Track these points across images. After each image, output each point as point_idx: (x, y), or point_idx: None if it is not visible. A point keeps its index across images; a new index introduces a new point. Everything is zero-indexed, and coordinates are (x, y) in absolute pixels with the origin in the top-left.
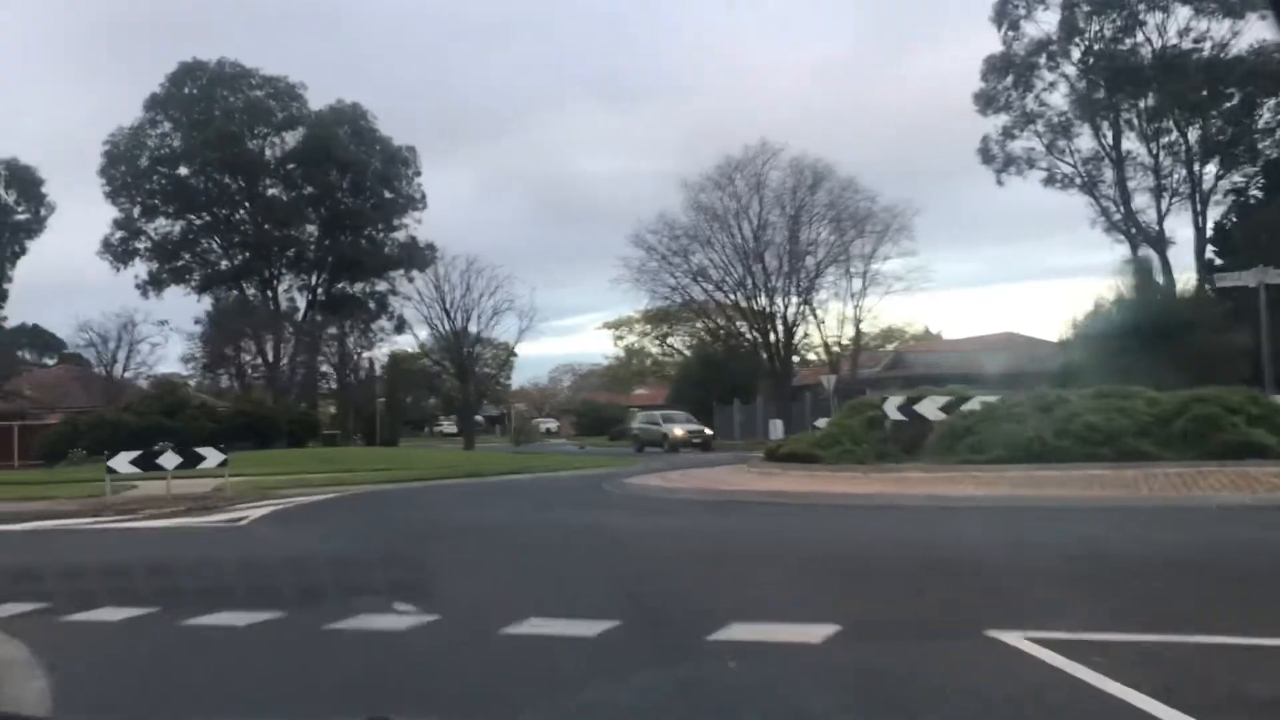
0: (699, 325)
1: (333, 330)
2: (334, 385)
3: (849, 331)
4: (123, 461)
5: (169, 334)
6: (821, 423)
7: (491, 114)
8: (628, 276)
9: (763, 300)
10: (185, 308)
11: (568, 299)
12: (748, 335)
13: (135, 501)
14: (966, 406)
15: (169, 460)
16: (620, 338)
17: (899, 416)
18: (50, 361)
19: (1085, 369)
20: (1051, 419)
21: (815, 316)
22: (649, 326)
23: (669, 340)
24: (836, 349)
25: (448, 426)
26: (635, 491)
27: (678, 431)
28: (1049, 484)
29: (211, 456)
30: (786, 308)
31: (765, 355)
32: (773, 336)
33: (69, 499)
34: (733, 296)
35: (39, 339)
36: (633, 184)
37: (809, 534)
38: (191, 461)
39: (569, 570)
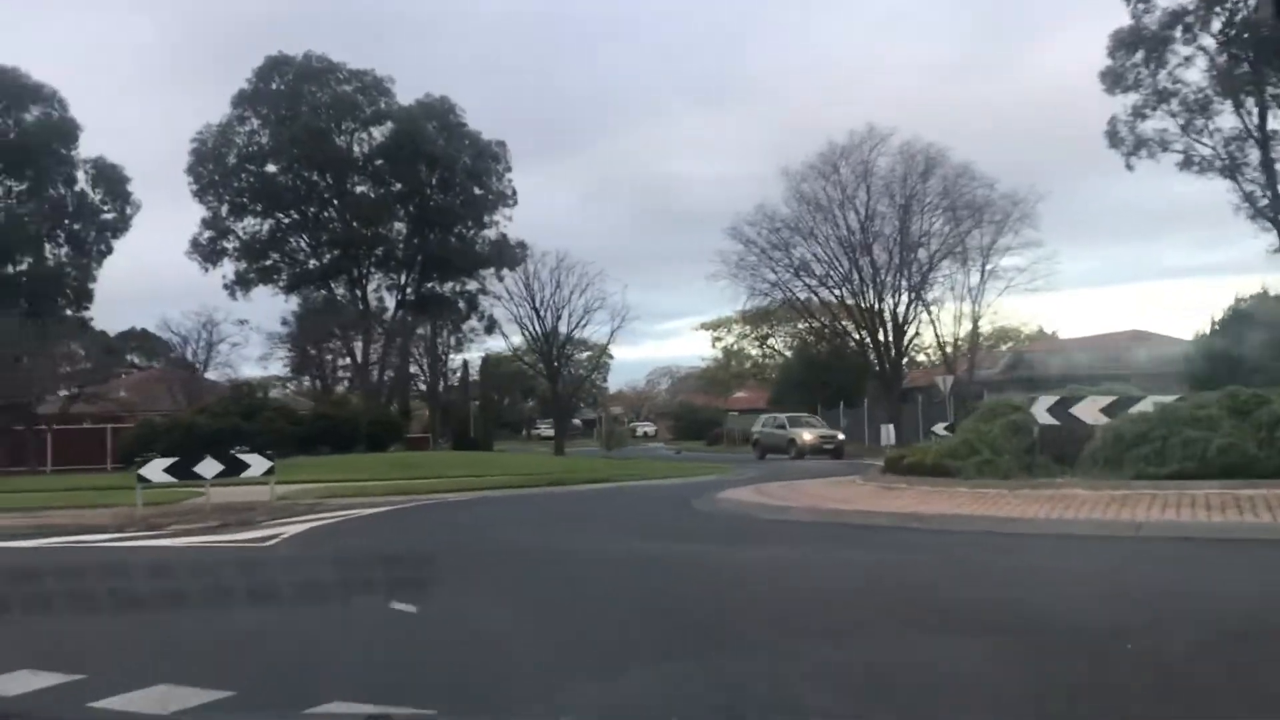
0: (801, 326)
1: (422, 331)
2: (424, 387)
3: (963, 330)
4: (156, 469)
5: (249, 334)
6: (940, 428)
7: (584, 115)
8: (725, 272)
9: (870, 296)
10: (268, 307)
11: (664, 303)
12: (854, 334)
13: (169, 515)
14: (1137, 409)
15: (208, 468)
16: (718, 339)
17: (1050, 420)
18: (155, 365)
19: (1227, 369)
20: (1250, 424)
21: (930, 313)
22: (748, 327)
23: (769, 341)
24: (952, 348)
25: (545, 429)
26: (730, 509)
27: (807, 436)
28: (1256, 506)
29: (256, 464)
30: (896, 304)
31: (873, 355)
32: (881, 335)
33: (106, 509)
34: (838, 293)
35: (145, 343)
36: (729, 187)
37: (983, 582)
38: (234, 469)
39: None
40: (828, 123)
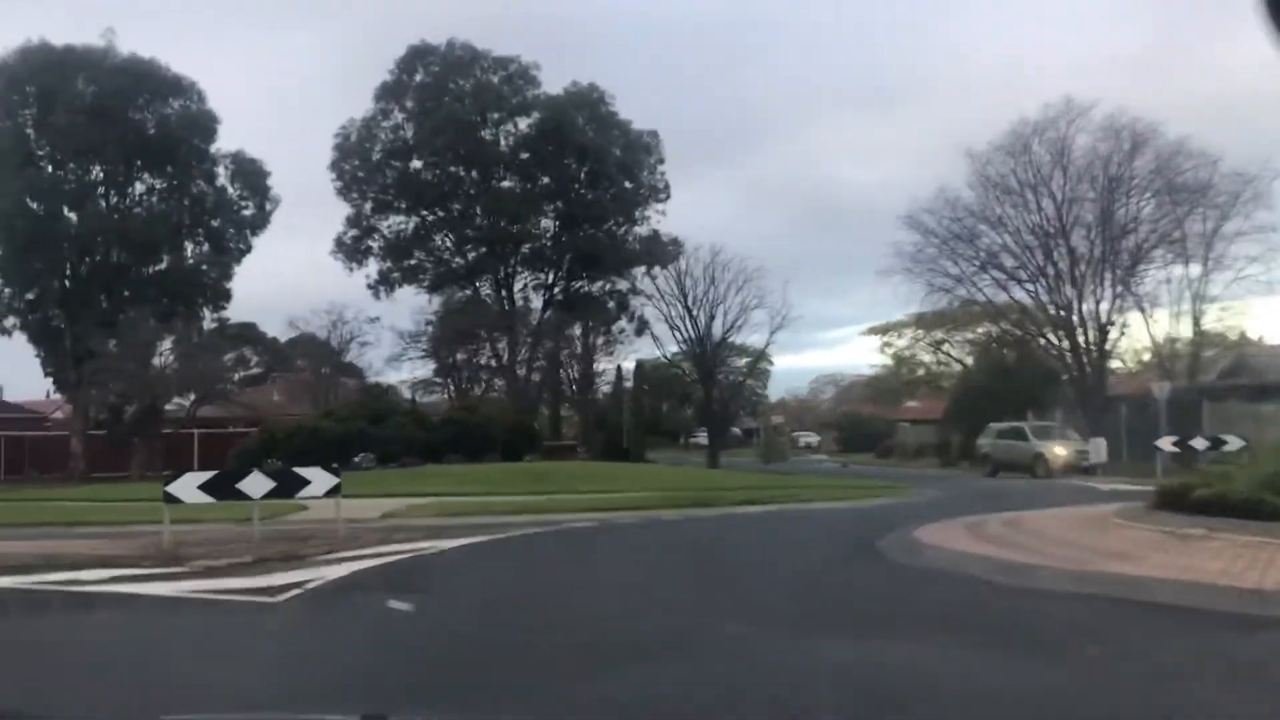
0: (980, 330)
1: (572, 332)
2: (573, 392)
3: (1179, 329)
4: (188, 487)
5: (380, 332)
6: (1164, 443)
7: (740, 119)
8: (899, 266)
9: (1067, 292)
10: (409, 308)
11: (827, 311)
12: (1048, 336)
13: (204, 546)
14: None
15: (255, 485)
16: (888, 344)
17: None
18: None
19: None
20: None
21: (1143, 310)
22: (920, 331)
23: (943, 347)
24: (1168, 350)
25: (702, 438)
26: (941, 562)
27: (1059, 451)
28: None
29: (319, 480)
30: (1099, 300)
31: (1071, 359)
32: (1081, 337)
33: (145, 530)
34: (1030, 288)
35: (311, 348)
36: (893, 191)
37: None
38: (289, 487)
39: None
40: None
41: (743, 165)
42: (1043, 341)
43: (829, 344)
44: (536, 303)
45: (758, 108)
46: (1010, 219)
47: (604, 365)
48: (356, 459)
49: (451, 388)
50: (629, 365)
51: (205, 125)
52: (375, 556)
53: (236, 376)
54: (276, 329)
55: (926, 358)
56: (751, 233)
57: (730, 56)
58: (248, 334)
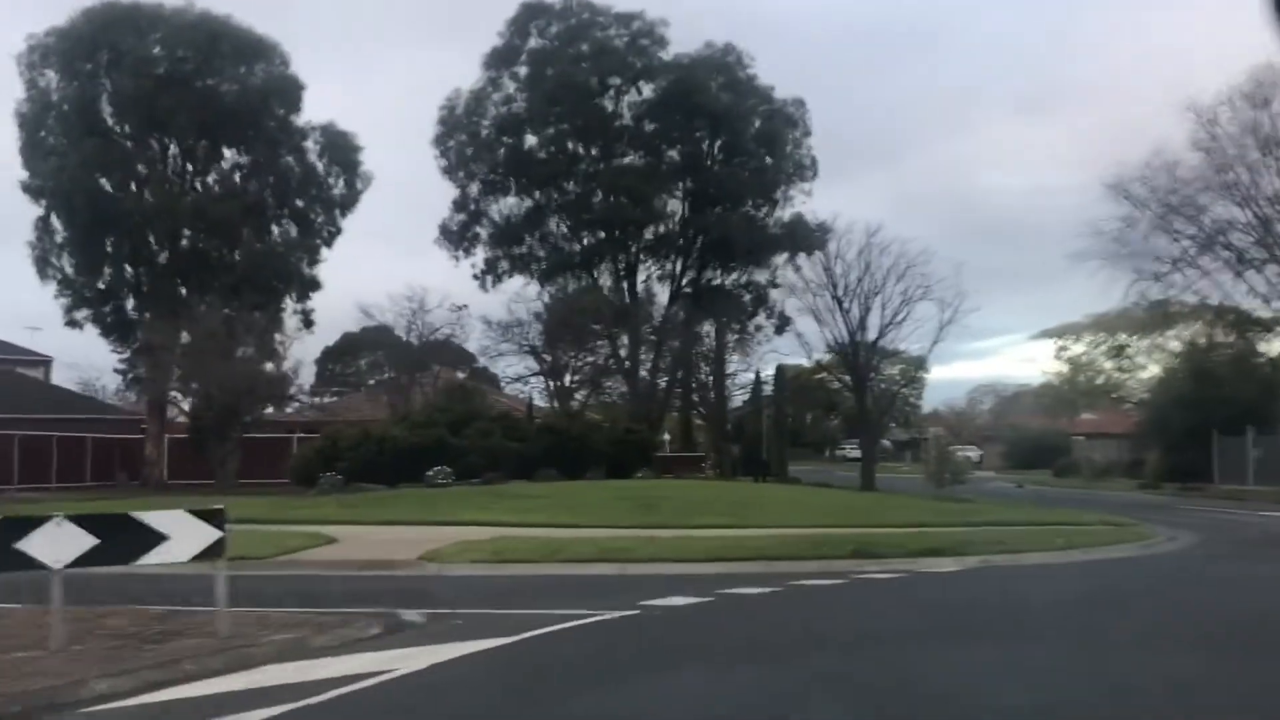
0: (1179, 331)
1: (704, 329)
2: (703, 398)
3: None
4: None
5: (472, 325)
6: None
7: (891, 125)
8: (1096, 249)
9: None
10: (503, 301)
11: (979, 321)
12: None
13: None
14: None
15: (55, 546)
16: (1063, 348)
17: None
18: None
19: None
20: None
21: None
22: (1101, 334)
23: (1126, 351)
24: None
25: (851, 450)
26: None
27: None
28: None
29: (182, 533)
30: None
31: None
32: None
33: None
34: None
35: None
36: (1047, 199)
37: None
38: (124, 547)
39: None
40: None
41: (889, 168)
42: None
43: (979, 355)
44: (662, 296)
45: (906, 110)
46: (1244, 185)
47: (739, 369)
48: (430, 473)
49: (554, 390)
50: (770, 369)
51: (290, 92)
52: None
53: (371, 381)
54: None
55: (1108, 364)
56: (898, 238)
57: (879, 55)
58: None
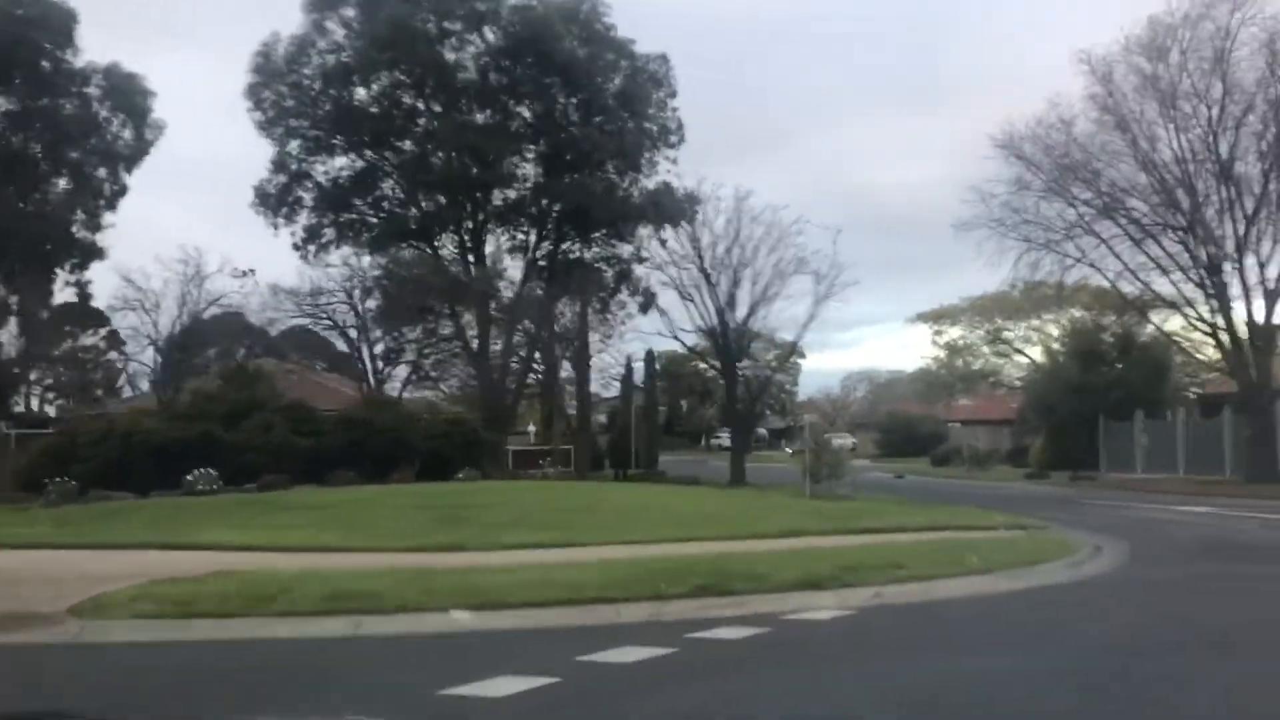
0: (1072, 311)
1: (563, 308)
2: (568, 384)
3: None
4: None
5: (254, 290)
6: None
7: (772, 115)
8: (985, 217)
9: (1227, 249)
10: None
11: (859, 309)
12: (1187, 313)
13: None
14: None
15: None
16: (939, 332)
17: None
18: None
19: None
20: None
21: None
22: (978, 318)
23: (1004, 335)
24: None
25: (727, 440)
26: None
27: None
28: None
29: None
30: (1265, 263)
31: (1227, 339)
32: (1241, 311)
33: None
34: (1176, 236)
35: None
36: (932, 191)
37: None
38: None
39: None
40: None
41: (765, 159)
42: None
43: (858, 343)
44: (515, 270)
45: (785, 101)
46: (1144, 146)
47: (606, 353)
48: (191, 477)
49: (378, 376)
50: (646, 352)
51: (60, 24)
52: None
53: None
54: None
55: (985, 349)
56: (770, 205)
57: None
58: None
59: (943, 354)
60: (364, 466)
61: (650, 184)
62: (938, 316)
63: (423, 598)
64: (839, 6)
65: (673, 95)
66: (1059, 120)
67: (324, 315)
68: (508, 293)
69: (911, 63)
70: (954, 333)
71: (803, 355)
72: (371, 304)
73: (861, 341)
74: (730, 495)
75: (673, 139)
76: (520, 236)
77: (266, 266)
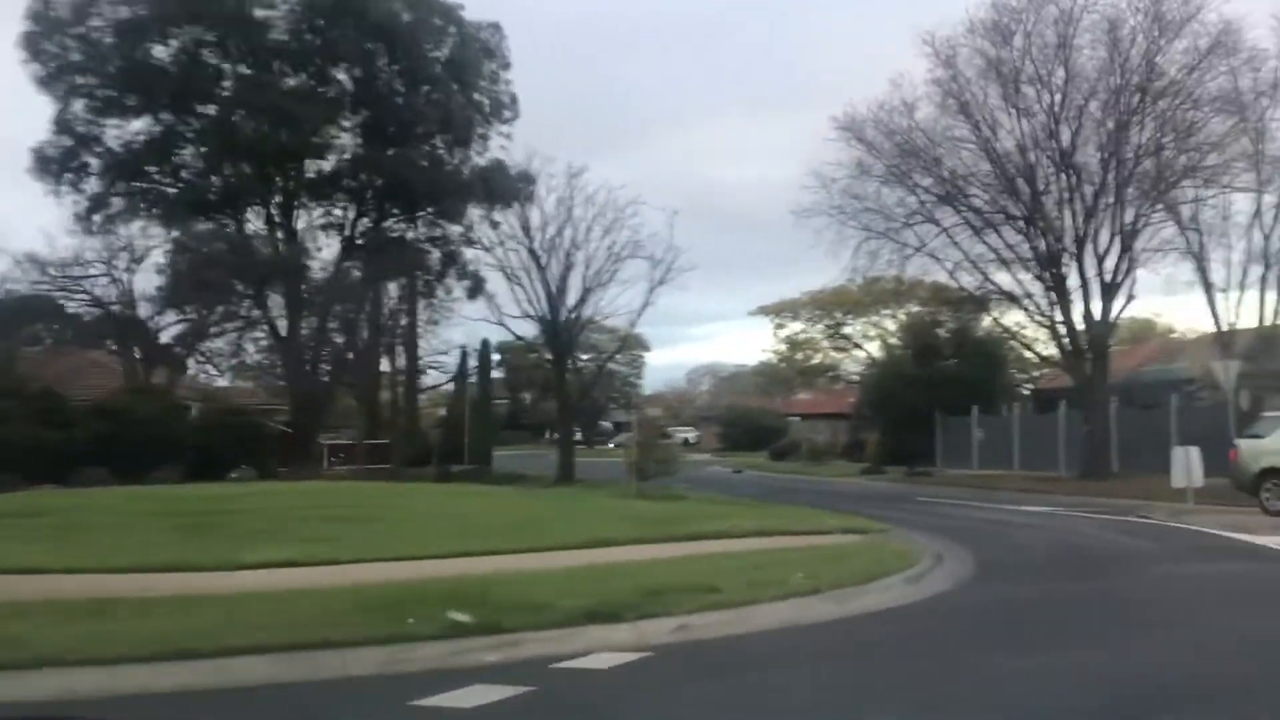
0: (909, 306)
1: (388, 294)
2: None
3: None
4: None
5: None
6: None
7: (621, 113)
8: (825, 204)
9: (1066, 241)
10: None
11: (702, 306)
12: (1026, 306)
13: None
14: None
15: None
16: (780, 325)
17: None
18: None
19: None
20: None
21: (1199, 260)
22: (818, 311)
23: (843, 330)
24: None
25: (578, 434)
26: None
27: None
28: None
29: None
30: (1104, 256)
31: (1064, 335)
32: (1081, 306)
33: None
34: (1016, 227)
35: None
36: (770, 191)
37: None
38: None
39: None
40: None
41: (615, 154)
42: (1001, 315)
43: (706, 338)
44: (331, 249)
45: (637, 97)
46: (985, 133)
47: (438, 342)
48: None
49: (171, 363)
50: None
51: None
52: None
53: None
54: None
55: (824, 342)
56: (606, 184)
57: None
58: None
59: (783, 348)
60: (120, 463)
61: (482, 161)
62: (778, 310)
63: (84, 645)
64: (695, 5)
65: (506, 67)
66: (902, 103)
67: (80, 290)
68: (322, 274)
69: (766, 59)
70: (795, 327)
71: (647, 347)
72: (155, 280)
73: (714, 336)
74: (548, 496)
75: (506, 114)
76: (337, 212)
77: (44, 240)
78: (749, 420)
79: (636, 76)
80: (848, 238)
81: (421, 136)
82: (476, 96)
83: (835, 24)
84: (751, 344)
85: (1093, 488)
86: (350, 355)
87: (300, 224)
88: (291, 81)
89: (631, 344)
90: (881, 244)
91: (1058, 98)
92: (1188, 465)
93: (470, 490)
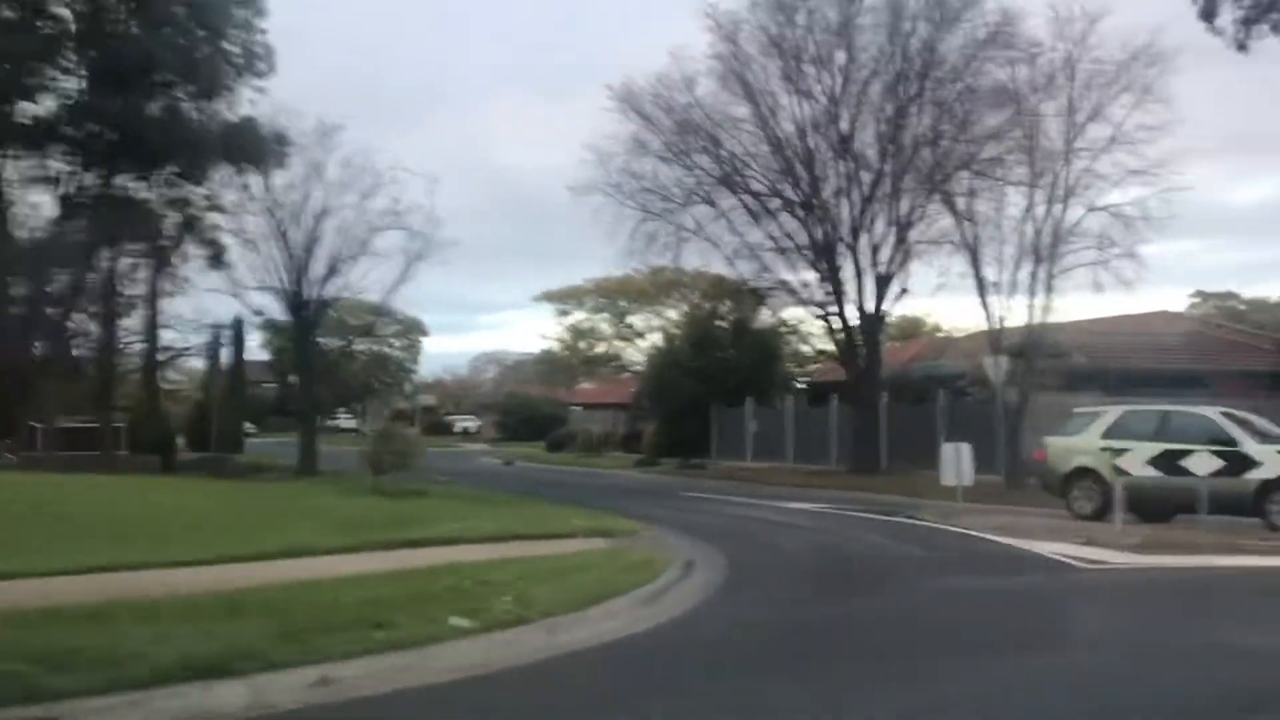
0: (690, 295)
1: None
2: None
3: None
4: None
5: None
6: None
7: (412, 90)
8: (603, 181)
9: (843, 230)
10: None
11: (491, 294)
12: (809, 296)
13: None
14: None
15: None
16: (564, 312)
17: None
18: None
19: None
20: None
21: (973, 250)
22: (602, 300)
23: (627, 319)
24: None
25: (346, 421)
26: None
27: None
28: None
29: None
30: (879, 246)
31: (839, 326)
32: (855, 298)
33: None
34: (796, 215)
35: None
36: (563, 177)
37: None
38: None
39: None
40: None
41: (400, 138)
42: (780, 307)
43: (496, 327)
44: (48, 208)
45: (425, 80)
46: (766, 114)
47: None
48: None
49: None
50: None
51: None
52: None
53: None
54: None
55: (608, 330)
56: (365, 147)
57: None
58: None
59: (567, 336)
60: None
61: (232, 118)
62: (563, 297)
63: None
64: None
65: (260, 15)
66: (682, 77)
67: None
68: (37, 234)
69: (554, 39)
70: (579, 315)
71: (425, 332)
72: None
73: (505, 325)
74: (266, 492)
75: (260, 67)
76: (55, 165)
77: None
78: (529, 409)
79: (420, 56)
80: (626, 218)
81: (160, 85)
82: (226, 45)
83: (628, 4)
84: (539, 332)
85: (863, 483)
86: (68, 327)
87: (8, 174)
88: (7, 13)
89: (410, 328)
90: (659, 225)
91: (839, 80)
92: (958, 463)
93: (169, 483)
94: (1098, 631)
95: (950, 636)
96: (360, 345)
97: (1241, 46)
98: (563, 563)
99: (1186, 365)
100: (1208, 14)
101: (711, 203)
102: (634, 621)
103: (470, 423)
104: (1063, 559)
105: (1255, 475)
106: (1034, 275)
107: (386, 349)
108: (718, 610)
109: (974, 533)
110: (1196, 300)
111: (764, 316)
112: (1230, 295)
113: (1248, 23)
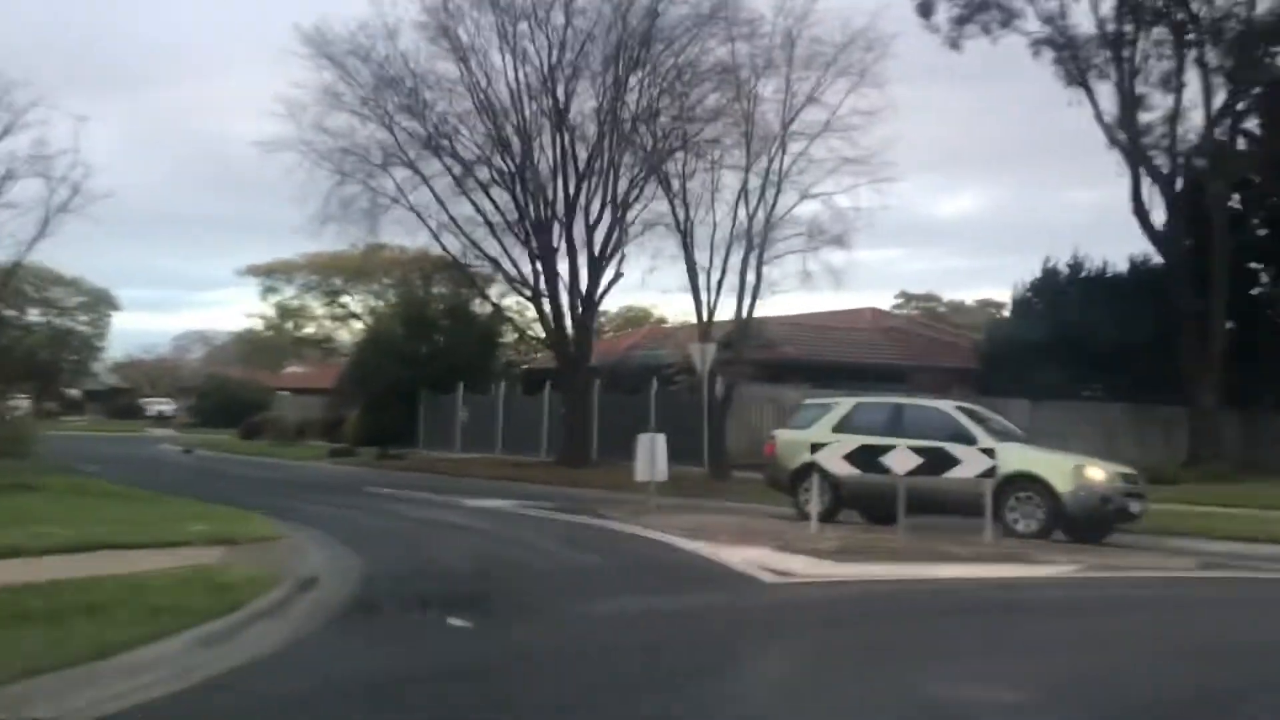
0: (405, 276)
1: None
2: None
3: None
4: None
5: None
6: (810, 437)
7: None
8: (294, 138)
9: (558, 207)
10: None
11: (211, 271)
12: (519, 276)
13: None
14: None
15: None
16: (271, 289)
17: None
18: None
19: None
20: None
21: (684, 235)
22: (315, 277)
23: (341, 299)
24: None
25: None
26: None
27: (1097, 476)
28: None
29: None
30: (594, 226)
31: (550, 309)
32: (568, 280)
33: None
34: (498, 198)
35: None
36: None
37: None
38: None
39: None
40: None
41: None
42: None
43: (214, 304)
44: None
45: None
46: (479, 77)
47: None
48: None
49: None
50: None
51: None
52: None
53: None
54: None
55: (320, 310)
56: (133, 181)
57: None
58: None
59: (273, 314)
60: None
61: None
62: (269, 271)
63: None
64: None
65: None
66: (384, 25)
67: None
68: None
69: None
70: (288, 292)
71: (116, 306)
72: None
73: (224, 304)
74: None
75: None
76: None
77: None
78: (227, 393)
79: (135, 23)
80: (321, 180)
81: None
82: None
83: None
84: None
85: (568, 476)
86: None
87: None
88: None
89: (98, 300)
90: (358, 191)
91: (555, 42)
92: (652, 455)
93: None
94: (746, 687)
95: (574, 690)
96: (35, 318)
97: (954, 45)
98: (130, 585)
99: (890, 360)
100: (925, 10)
101: (414, 168)
102: (174, 677)
103: (165, 406)
104: (747, 571)
105: (975, 472)
106: (745, 260)
107: (71, 323)
108: (306, 654)
109: (662, 536)
110: (900, 301)
111: (481, 299)
112: (932, 297)
113: (961, 21)
